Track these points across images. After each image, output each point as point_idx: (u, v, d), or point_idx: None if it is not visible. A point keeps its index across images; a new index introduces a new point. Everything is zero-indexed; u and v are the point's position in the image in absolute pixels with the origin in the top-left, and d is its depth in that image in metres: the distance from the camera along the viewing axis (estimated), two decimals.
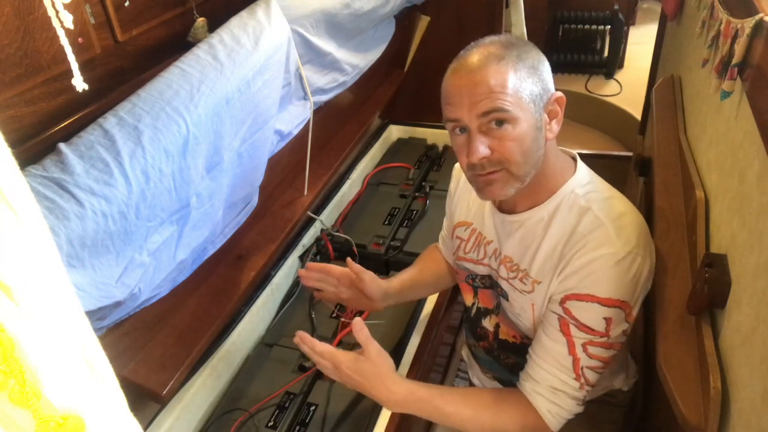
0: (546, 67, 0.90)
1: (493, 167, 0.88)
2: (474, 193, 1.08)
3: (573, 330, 0.90)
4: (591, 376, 0.92)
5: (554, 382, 0.93)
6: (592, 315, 0.89)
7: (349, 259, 1.19)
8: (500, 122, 0.85)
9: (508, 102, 0.84)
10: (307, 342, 1.02)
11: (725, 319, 0.80)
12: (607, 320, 0.89)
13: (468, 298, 1.18)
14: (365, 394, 0.98)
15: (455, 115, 0.87)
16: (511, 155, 0.87)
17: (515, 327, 1.06)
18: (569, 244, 0.91)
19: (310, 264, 1.21)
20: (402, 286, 1.22)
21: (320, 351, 1.00)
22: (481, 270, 1.10)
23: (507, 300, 1.04)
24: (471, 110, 0.85)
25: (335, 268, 1.18)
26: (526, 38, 2.53)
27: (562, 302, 0.91)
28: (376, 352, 0.97)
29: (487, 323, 1.13)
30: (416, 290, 1.29)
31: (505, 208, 1.02)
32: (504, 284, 1.04)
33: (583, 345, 0.91)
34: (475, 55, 0.87)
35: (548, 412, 0.93)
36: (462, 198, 1.15)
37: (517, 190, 0.91)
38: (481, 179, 0.91)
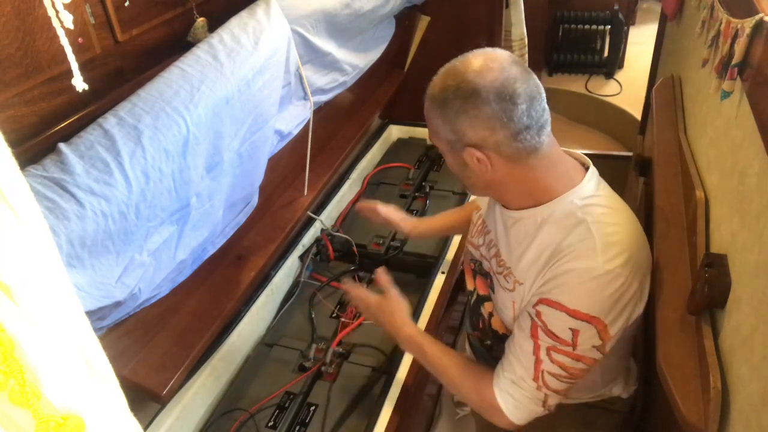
0: (468, 118, 0.88)
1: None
2: None
3: (540, 333, 0.91)
4: (552, 381, 0.92)
5: (514, 375, 0.95)
6: (559, 323, 0.89)
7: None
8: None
9: (433, 138, 0.97)
10: (347, 286, 1.27)
11: (725, 319, 0.80)
12: (574, 332, 0.89)
13: (469, 283, 1.19)
14: (384, 328, 1.16)
15: None
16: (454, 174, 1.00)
17: (502, 321, 1.07)
18: (555, 253, 0.90)
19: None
20: (430, 228, 1.47)
21: (356, 294, 1.22)
22: (477, 255, 1.13)
23: (494, 292, 1.06)
24: None
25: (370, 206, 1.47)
26: (526, 39, 2.54)
27: (535, 304, 0.92)
28: (395, 296, 1.16)
29: (484, 310, 1.14)
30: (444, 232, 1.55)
31: (504, 202, 1.03)
32: (494, 277, 1.06)
33: (548, 349, 0.91)
34: (431, 84, 0.95)
35: (503, 399, 0.96)
36: None
37: (479, 195, 1.04)
38: None
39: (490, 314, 1.11)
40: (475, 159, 0.91)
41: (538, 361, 0.92)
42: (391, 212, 1.44)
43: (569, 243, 0.90)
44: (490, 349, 1.15)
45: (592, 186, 0.95)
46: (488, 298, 1.12)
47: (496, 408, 0.96)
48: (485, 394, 0.98)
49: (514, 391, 0.95)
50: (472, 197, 1.54)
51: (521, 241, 0.97)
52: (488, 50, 0.92)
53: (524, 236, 0.96)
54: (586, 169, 0.98)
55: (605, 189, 0.97)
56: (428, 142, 2.24)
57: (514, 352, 0.95)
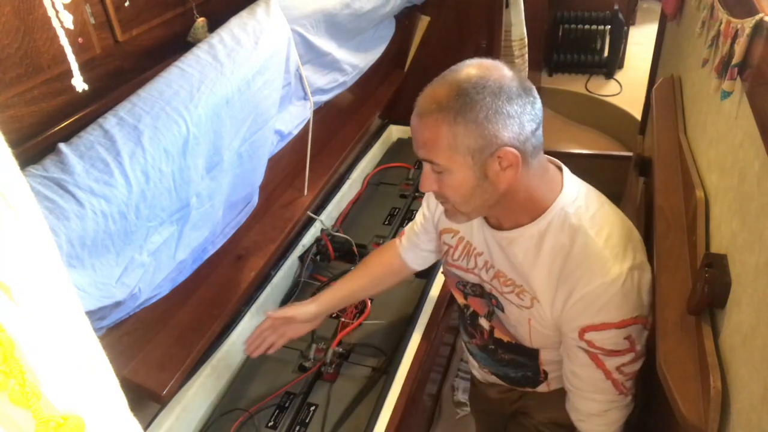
0: (497, 119, 0.82)
1: (440, 200, 0.94)
2: None
3: (602, 359, 0.93)
4: (631, 384, 0.98)
5: (602, 406, 0.98)
6: (614, 339, 0.91)
7: (268, 312, 1.25)
8: (437, 170, 0.88)
9: (441, 155, 0.85)
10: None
11: (725, 319, 0.80)
12: (629, 338, 0.91)
13: (460, 300, 1.18)
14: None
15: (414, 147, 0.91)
16: (450, 198, 0.90)
17: (510, 334, 1.07)
18: (566, 267, 0.91)
19: (248, 340, 1.26)
20: (333, 302, 1.29)
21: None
22: (471, 278, 1.09)
23: (503, 312, 1.04)
24: (417, 151, 0.89)
25: (262, 326, 1.25)
26: (526, 38, 2.53)
27: (581, 336, 0.92)
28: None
29: (483, 322, 1.13)
30: (351, 300, 1.35)
31: (492, 223, 1.00)
32: (499, 297, 1.03)
33: (617, 368, 0.94)
34: (424, 97, 0.86)
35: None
36: None
37: (468, 220, 0.95)
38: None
39: (492, 327, 1.11)
40: (504, 164, 0.84)
41: (615, 382, 0.95)
42: (282, 312, 1.25)
43: (576, 257, 0.90)
44: (493, 353, 1.15)
45: (574, 188, 0.95)
46: (485, 317, 1.11)
47: None
48: None
49: (607, 418, 1.00)
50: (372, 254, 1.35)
51: (523, 259, 0.96)
52: (473, 59, 0.88)
53: (525, 254, 0.95)
54: (559, 169, 0.98)
55: (581, 185, 0.97)
56: None
57: (587, 389, 0.98)
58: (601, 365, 0.94)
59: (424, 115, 0.85)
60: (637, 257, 0.91)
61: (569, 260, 0.91)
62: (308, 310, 1.24)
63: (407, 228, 1.26)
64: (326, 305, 1.27)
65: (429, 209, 1.18)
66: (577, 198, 0.94)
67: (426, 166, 0.89)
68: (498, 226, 0.99)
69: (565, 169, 0.98)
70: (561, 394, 1.09)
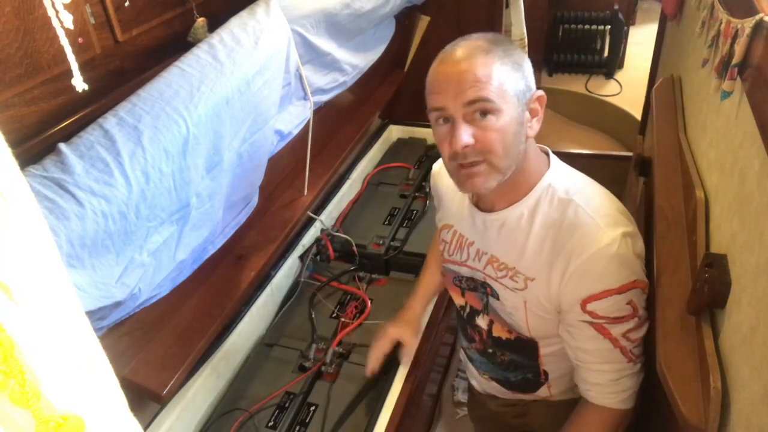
0: (529, 66, 0.92)
1: (475, 157, 0.88)
2: (451, 194, 1.10)
3: (608, 327, 0.93)
4: (639, 350, 0.97)
5: (613, 375, 0.97)
6: (616, 305, 0.91)
7: (379, 345, 1.27)
8: (484, 113, 0.86)
9: (493, 93, 0.85)
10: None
11: (725, 319, 0.80)
12: (631, 303, 0.92)
13: (458, 300, 1.18)
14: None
15: (440, 103, 0.88)
16: (493, 146, 0.87)
17: (508, 324, 1.07)
18: (559, 239, 0.92)
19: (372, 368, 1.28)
20: (426, 297, 1.35)
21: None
22: (465, 272, 1.10)
23: (498, 299, 1.05)
24: (456, 99, 0.86)
25: (382, 350, 1.27)
26: (526, 38, 2.54)
27: (583, 308, 0.92)
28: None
29: (481, 321, 1.13)
30: (439, 288, 1.37)
31: (483, 206, 1.02)
32: (494, 284, 1.04)
33: (623, 335, 0.94)
34: (462, 47, 0.89)
35: (621, 402, 0.99)
36: (443, 201, 1.16)
37: (498, 184, 0.91)
38: (462, 171, 0.91)
39: (491, 323, 1.11)
40: (538, 107, 0.92)
41: (623, 349, 0.95)
42: (399, 337, 1.29)
43: (568, 227, 0.91)
44: (492, 356, 1.15)
45: (561, 167, 0.99)
46: (482, 311, 1.11)
47: (622, 416, 1.01)
48: (610, 418, 1.01)
49: (621, 385, 0.98)
50: (431, 251, 1.37)
51: (516, 238, 0.97)
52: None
53: (516, 233, 0.97)
54: (545, 154, 1.01)
55: (567, 167, 1.01)
56: (428, 142, 2.24)
57: (596, 360, 0.97)
58: (608, 334, 0.93)
59: (471, 56, 0.86)
60: (629, 225, 0.92)
61: (561, 233, 0.92)
62: (414, 325, 1.31)
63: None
64: (425, 304, 1.35)
65: (436, 210, 1.21)
66: (564, 176, 0.97)
67: (458, 121, 0.87)
68: (489, 208, 1.00)
69: (551, 152, 1.01)
70: (566, 407, 1.09)
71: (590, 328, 0.94)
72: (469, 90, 0.85)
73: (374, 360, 1.25)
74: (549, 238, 0.93)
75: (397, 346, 1.28)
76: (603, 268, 0.89)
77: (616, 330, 0.93)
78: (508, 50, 0.89)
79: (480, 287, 1.08)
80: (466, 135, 0.86)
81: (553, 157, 1.00)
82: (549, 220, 0.94)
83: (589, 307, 0.92)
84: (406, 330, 1.28)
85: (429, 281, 1.34)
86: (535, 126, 0.93)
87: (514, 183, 0.95)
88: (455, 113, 0.87)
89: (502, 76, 0.86)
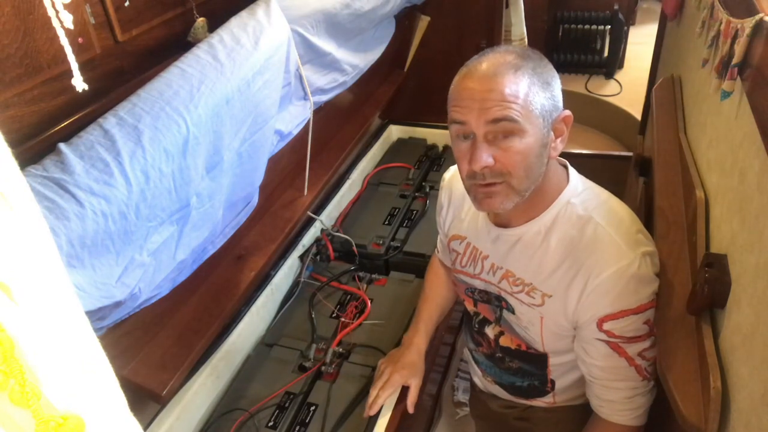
0: (558, 84, 0.89)
1: (494, 178, 0.86)
2: (466, 206, 1.08)
3: (623, 346, 0.92)
4: (652, 369, 0.96)
5: (627, 393, 0.96)
6: (633, 325, 0.90)
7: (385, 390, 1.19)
8: (507, 133, 0.83)
9: (519, 113, 0.82)
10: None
11: (725, 319, 0.80)
12: (648, 323, 0.91)
13: (470, 307, 1.17)
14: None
15: (463, 118, 0.85)
16: (514, 168, 0.85)
17: (520, 338, 1.06)
18: (577, 257, 0.90)
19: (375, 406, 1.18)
20: (429, 334, 1.24)
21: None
22: (478, 284, 1.09)
23: (513, 314, 1.03)
24: (480, 116, 0.83)
25: (387, 395, 1.18)
26: (526, 38, 2.54)
27: (599, 327, 0.91)
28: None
29: (489, 331, 1.12)
30: (439, 320, 1.29)
31: (500, 221, 1.00)
32: (509, 298, 1.02)
33: (639, 354, 0.93)
34: (490, 61, 0.85)
35: (633, 419, 0.98)
36: (453, 211, 1.14)
37: (515, 204, 0.89)
38: (480, 190, 0.88)
39: (500, 333, 1.10)
40: (563, 126, 0.89)
41: (638, 368, 0.94)
42: (406, 383, 1.19)
43: (587, 245, 0.90)
44: (500, 361, 1.14)
45: (579, 182, 0.97)
46: (493, 323, 1.11)
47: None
48: None
49: (634, 403, 0.97)
50: (429, 271, 1.32)
51: (533, 254, 0.95)
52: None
53: (533, 250, 0.95)
54: (564, 167, 0.99)
55: (586, 180, 0.99)
56: (428, 142, 2.24)
57: (611, 378, 0.96)
58: (623, 353, 0.92)
59: (499, 73, 0.83)
60: (648, 244, 0.91)
61: (580, 251, 0.90)
62: (420, 362, 1.20)
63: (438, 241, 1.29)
64: (428, 339, 1.24)
65: (440, 218, 1.19)
66: (582, 191, 0.95)
67: (479, 139, 0.84)
68: (506, 224, 0.98)
69: (569, 166, 0.99)
70: (569, 413, 1.08)
71: (606, 347, 0.92)
72: (493, 108, 0.82)
73: (377, 405, 1.16)
74: (567, 255, 0.91)
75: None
76: (622, 288, 0.88)
77: (632, 349, 0.92)
78: (538, 67, 0.85)
79: (494, 300, 1.07)
80: (486, 156, 0.84)
81: (572, 171, 0.98)
82: (567, 237, 0.92)
83: (606, 326, 0.90)
84: (411, 372, 1.17)
85: (431, 315, 1.26)
86: (559, 146, 0.90)
87: (532, 200, 0.92)
88: (477, 131, 0.84)
89: (530, 95, 0.83)
